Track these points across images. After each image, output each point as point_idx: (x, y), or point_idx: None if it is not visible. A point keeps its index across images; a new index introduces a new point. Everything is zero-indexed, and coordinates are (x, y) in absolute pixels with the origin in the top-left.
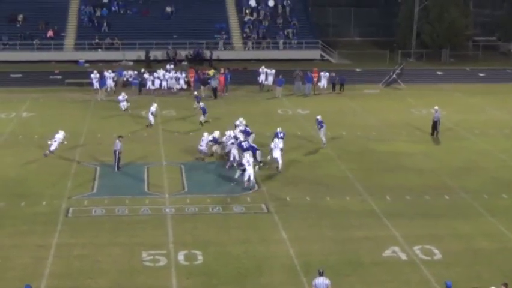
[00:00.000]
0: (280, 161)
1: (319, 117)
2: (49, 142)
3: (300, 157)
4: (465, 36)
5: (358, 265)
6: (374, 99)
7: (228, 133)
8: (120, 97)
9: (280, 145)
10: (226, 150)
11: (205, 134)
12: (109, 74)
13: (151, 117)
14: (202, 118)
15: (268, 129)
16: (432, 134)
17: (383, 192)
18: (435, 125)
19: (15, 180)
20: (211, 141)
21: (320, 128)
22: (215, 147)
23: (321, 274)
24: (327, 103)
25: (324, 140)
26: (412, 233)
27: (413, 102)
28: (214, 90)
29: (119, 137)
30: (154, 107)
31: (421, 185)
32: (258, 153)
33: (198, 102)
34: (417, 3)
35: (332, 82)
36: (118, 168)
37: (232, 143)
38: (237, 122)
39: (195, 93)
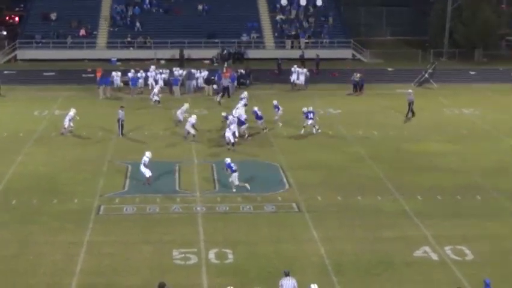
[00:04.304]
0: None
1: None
2: (65, 124)
3: (331, 157)
4: (498, 35)
5: (389, 265)
6: (406, 98)
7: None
8: (179, 111)
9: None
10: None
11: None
12: (116, 74)
13: (180, 117)
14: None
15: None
16: (407, 115)
17: (415, 192)
18: (410, 107)
19: (48, 177)
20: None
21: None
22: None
23: (287, 274)
24: (361, 102)
25: (278, 123)
26: (443, 233)
27: (445, 102)
28: (225, 89)
29: (121, 107)
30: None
31: (453, 185)
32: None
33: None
34: (449, 3)
35: (353, 84)
36: (122, 134)
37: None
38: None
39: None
